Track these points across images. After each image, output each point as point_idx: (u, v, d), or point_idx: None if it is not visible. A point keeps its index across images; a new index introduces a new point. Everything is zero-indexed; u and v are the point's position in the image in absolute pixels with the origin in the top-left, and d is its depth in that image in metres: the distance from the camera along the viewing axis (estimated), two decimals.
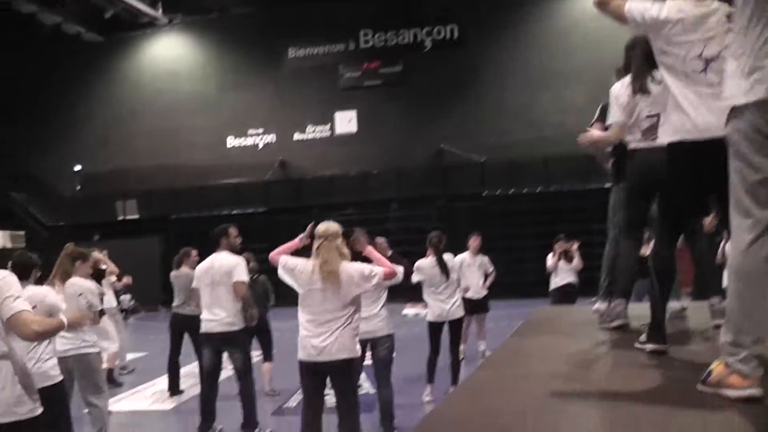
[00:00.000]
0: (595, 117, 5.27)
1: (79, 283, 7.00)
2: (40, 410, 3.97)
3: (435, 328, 8.96)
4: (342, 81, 29.25)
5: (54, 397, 5.56)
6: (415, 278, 8.78)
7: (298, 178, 28.52)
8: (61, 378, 5.75)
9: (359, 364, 6.04)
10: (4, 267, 5.29)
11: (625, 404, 2.91)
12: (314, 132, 29.76)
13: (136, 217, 29.04)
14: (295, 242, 5.92)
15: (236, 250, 7.93)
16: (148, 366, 12.62)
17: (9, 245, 27.52)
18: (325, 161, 28.17)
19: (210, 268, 7.74)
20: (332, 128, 29.54)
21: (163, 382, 10.65)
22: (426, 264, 8.89)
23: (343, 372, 5.58)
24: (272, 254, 5.78)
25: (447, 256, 8.94)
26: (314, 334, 5.50)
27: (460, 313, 8.99)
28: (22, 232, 29.07)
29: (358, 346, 5.68)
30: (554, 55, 26.75)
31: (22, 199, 30.87)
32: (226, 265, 7.65)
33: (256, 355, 9.83)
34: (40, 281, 6.18)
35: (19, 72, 30.96)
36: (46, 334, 4.01)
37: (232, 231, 7.95)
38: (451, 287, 8.94)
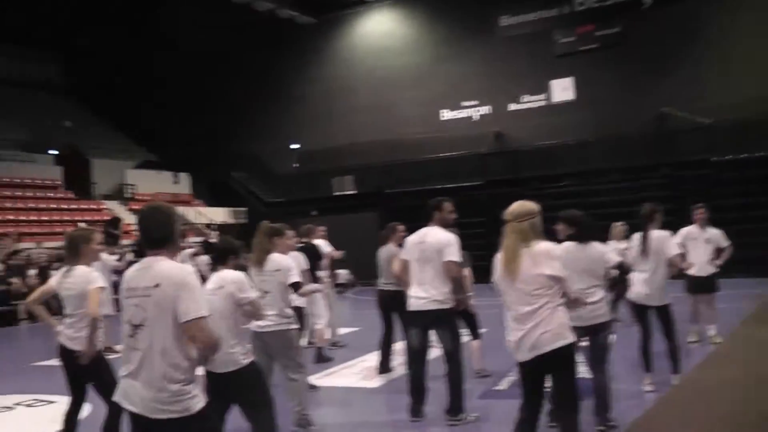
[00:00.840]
0: None
1: (277, 259, 6.95)
2: (199, 405, 3.83)
3: (636, 309, 8.12)
4: (556, 47, 28.30)
5: (243, 381, 5.59)
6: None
7: (514, 149, 27.84)
8: (248, 361, 5.67)
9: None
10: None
11: None
12: (530, 101, 29.03)
13: (352, 192, 29.62)
14: None
15: (449, 226, 7.45)
16: (359, 341, 12.60)
17: (231, 221, 29.01)
18: (542, 131, 27.46)
19: (420, 242, 7.31)
20: (548, 97, 28.72)
21: (373, 358, 10.53)
22: (634, 239, 8.15)
23: (561, 362, 5.06)
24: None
25: (658, 233, 8.03)
26: (523, 330, 5.04)
27: (661, 300, 7.94)
28: (243, 209, 30.56)
29: (571, 331, 5.14)
30: None
31: (243, 178, 32.46)
32: (438, 241, 7.19)
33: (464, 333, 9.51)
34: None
35: (237, 57, 32.60)
36: (212, 349, 3.85)
37: (447, 205, 7.42)
38: (649, 268, 7.94)
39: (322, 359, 11.01)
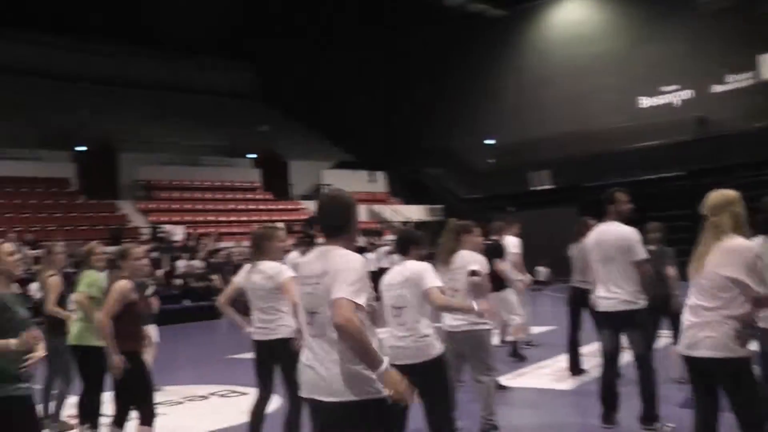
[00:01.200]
0: None
1: (465, 256, 6.79)
2: (384, 393, 3.77)
3: None
4: (765, 17, 26.09)
5: (430, 372, 5.54)
6: None
7: (719, 135, 26.11)
8: (437, 354, 5.61)
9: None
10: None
11: None
12: (735, 81, 27.27)
13: (549, 186, 28.99)
14: None
15: (627, 218, 7.05)
16: (555, 340, 12.17)
17: (427, 218, 29.19)
18: (751, 113, 25.58)
19: (600, 241, 6.96)
20: (757, 74, 26.75)
21: (566, 359, 10.20)
22: None
23: (720, 372, 4.60)
24: None
25: None
26: (689, 322, 4.70)
27: None
28: (439, 206, 30.64)
29: (738, 346, 4.56)
30: None
31: (438, 174, 32.60)
32: (619, 239, 6.81)
33: (666, 334, 9.03)
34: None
35: (429, 54, 32.87)
36: (352, 335, 3.66)
37: (620, 196, 7.05)
38: None
39: (517, 356, 10.86)
